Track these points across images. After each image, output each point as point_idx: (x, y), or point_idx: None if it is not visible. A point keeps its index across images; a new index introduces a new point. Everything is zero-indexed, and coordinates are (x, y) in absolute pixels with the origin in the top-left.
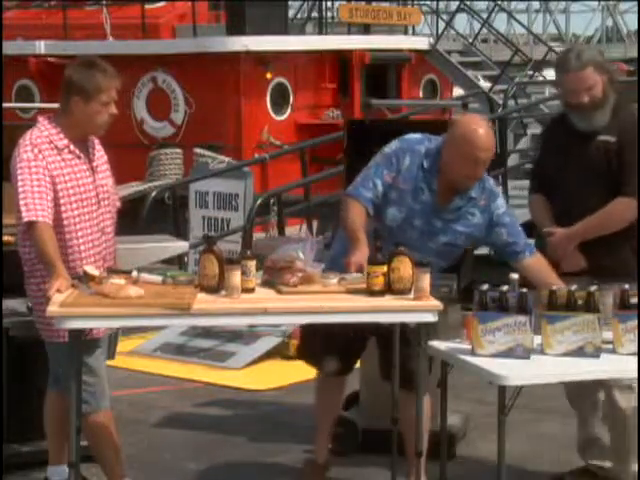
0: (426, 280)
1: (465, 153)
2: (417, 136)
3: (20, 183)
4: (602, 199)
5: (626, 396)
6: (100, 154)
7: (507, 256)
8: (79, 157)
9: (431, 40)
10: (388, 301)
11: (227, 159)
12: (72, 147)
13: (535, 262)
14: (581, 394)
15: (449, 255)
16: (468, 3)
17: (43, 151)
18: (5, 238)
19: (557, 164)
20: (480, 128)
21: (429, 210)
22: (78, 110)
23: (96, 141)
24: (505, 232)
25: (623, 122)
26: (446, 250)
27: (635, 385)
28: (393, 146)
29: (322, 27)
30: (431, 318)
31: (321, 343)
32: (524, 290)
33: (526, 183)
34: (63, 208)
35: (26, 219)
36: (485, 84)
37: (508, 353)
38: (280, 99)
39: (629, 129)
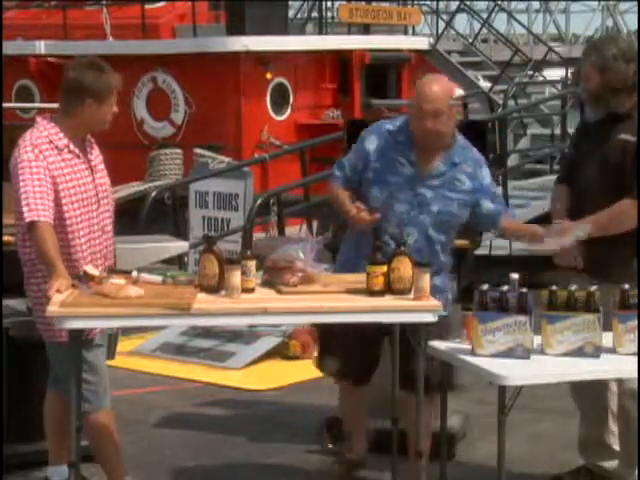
0: (426, 280)
1: (414, 107)
2: (385, 120)
3: (22, 183)
4: (613, 198)
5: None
6: (97, 153)
7: (490, 221)
8: (78, 157)
9: (431, 40)
10: (388, 301)
11: (227, 159)
12: (72, 147)
13: (509, 220)
14: (583, 393)
15: (447, 226)
16: (468, 3)
17: (44, 151)
18: (5, 238)
19: (577, 158)
20: (428, 81)
21: (414, 181)
22: (90, 112)
23: (92, 140)
24: (490, 200)
25: None
26: (443, 221)
27: None
28: (363, 132)
29: (322, 27)
30: (431, 318)
31: (338, 355)
32: (524, 290)
33: (526, 183)
34: (65, 208)
35: (28, 219)
36: (485, 84)
37: (508, 353)
38: (280, 99)
39: None
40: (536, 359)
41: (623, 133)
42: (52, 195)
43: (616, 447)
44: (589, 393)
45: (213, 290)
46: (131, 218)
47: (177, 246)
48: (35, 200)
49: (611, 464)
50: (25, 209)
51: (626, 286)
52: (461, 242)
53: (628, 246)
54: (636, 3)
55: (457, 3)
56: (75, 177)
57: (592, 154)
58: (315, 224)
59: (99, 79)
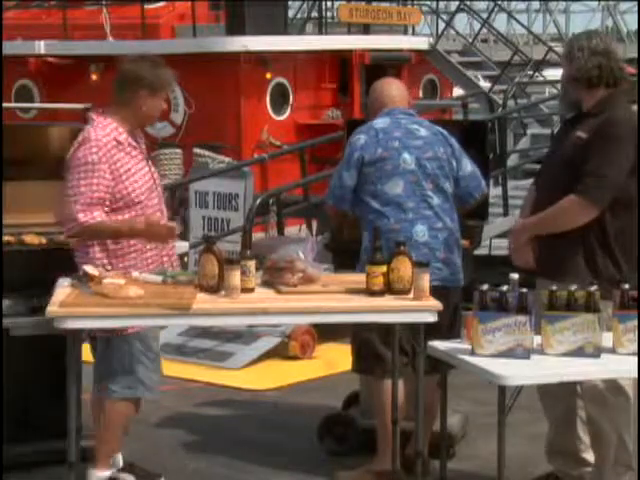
0: (426, 280)
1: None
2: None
3: (82, 184)
4: (564, 195)
5: (600, 410)
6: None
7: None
8: (136, 148)
9: (431, 40)
10: (388, 301)
11: (227, 159)
12: (130, 140)
13: None
14: (550, 398)
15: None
16: (468, 3)
17: (110, 150)
18: (5, 238)
19: (546, 156)
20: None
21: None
22: (144, 104)
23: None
24: None
25: (600, 123)
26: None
27: (608, 396)
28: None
29: (322, 27)
30: (431, 318)
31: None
32: (524, 290)
33: (526, 183)
34: (136, 200)
35: (85, 223)
36: (485, 84)
37: (508, 353)
38: (280, 99)
39: (601, 130)
40: (536, 359)
41: (579, 131)
42: (108, 199)
43: (585, 455)
44: (556, 398)
45: (213, 290)
46: None
47: (177, 246)
48: (90, 206)
49: (580, 472)
50: (81, 215)
51: (626, 286)
52: (461, 242)
53: (570, 243)
54: (636, 3)
55: (457, 3)
56: (137, 168)
57: (553, 153)
58: (315, 224)
59: (154, 71)
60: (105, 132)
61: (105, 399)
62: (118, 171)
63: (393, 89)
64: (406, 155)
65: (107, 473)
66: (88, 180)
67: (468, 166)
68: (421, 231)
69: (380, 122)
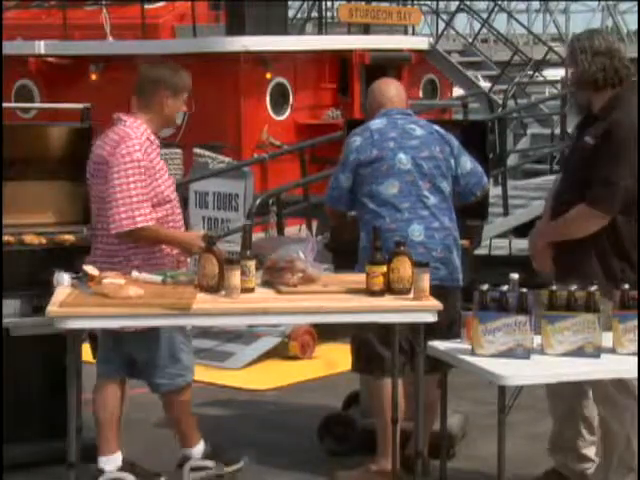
0: (426, 280)
1: None
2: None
3: (132, 179)
4: (576, 201)
5: (610, 411)
6: None
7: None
8: (159, 148)
9: (431, 40)
10: (388, 301)
11: (227, 159)
12: (156, 140)
13: None
14: (557, 395)
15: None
16: (468, 3)
17: (147, 147)
18: (5, 238)
19: (564, 159)
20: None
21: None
22: (166, 104)
23: None
24: None
25: (606, 127)
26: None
27: (622, 400)
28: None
29: (322, 27)
30: (431, 318)
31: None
32: (524, 290)
33: (526, 183)
34: (167, 199)
35: (140, 224)
36: (485, 84)
37: (508, 353)
38: (280, 99)
39: (607, 135)
40: (536, 359)
41: (587, 135)
42: (150, 194)
43: (586, 451)
44: (561, 396)
45: (213, 290)
46: None
47: None
48: (142, 204)
49: (581, 467)
50: (136, 212)
51: (626, 286)
52: (461, 242)
53: (583, 248)
54: (636, 3)
55: (457, 3)
56: (164, 167)
57: (568, 156)
58: (315, 224)
59: (174, 74)
60: (140, 130)
61: (167, 394)
62: (154, 169)
63: (391, 89)
64: (402, 155)
65: (202, 445)
66: (136, 177)
67: (467, 164)
68: (417, 230)
69: (377, 123)
